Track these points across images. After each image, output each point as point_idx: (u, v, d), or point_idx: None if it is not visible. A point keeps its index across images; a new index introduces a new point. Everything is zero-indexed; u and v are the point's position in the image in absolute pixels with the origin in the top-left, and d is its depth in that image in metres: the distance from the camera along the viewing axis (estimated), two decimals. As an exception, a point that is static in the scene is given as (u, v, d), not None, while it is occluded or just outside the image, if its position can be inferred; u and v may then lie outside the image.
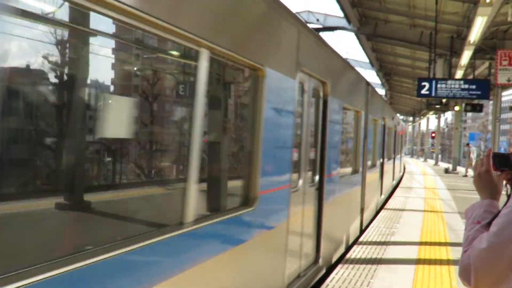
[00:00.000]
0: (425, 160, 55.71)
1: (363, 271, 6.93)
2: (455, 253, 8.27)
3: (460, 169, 31.10)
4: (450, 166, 33.49)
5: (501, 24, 18.42)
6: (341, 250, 8.38)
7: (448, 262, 7.70)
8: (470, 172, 28.36)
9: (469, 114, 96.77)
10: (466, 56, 18.44)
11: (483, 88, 18.04)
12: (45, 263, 2.12)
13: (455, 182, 23.99)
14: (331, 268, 7.27)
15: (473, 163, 30.02)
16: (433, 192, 18.80)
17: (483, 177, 1.92)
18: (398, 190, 19.06)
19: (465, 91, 17.98)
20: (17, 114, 2.42)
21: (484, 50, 20.49)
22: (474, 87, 18.09)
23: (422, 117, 60.79)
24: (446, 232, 10.26)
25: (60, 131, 2.66)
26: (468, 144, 32.44)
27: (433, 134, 54.46)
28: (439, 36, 20.10)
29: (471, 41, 15.86)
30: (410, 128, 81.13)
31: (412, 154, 79.29)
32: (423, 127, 76.70)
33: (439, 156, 49.34)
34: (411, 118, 71.73)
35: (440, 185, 22.36)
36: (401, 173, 24.19)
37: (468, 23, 17.21)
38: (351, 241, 9.24)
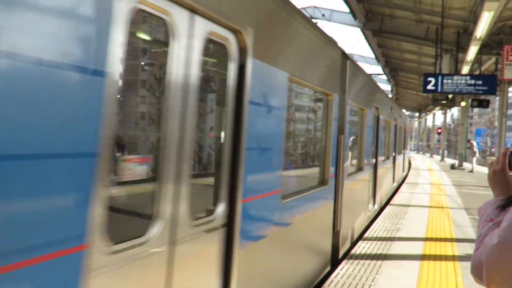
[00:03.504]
0: (431, 156, 55.73)
1: (368, 267, 6.92)
2: (461, 249, 8.25)
3: (466, 165, 31.03)
4: (456, 162, 33.43)
5: (508, 19, 18.34)
6: None
7: (453, 258, 7.68)
8: (476, 167, 28.33)
9: (476, 110, 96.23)
10: (472, 51, 18.36)
11: (489, 84, 17.98)
12: None
13: (461, 178, 23.90)
14: (336, 264, 7.28)
15: (477, 155, 30.20)
16: (439, 188, 18.74)
17: (498, 175, 1.91)
18: (403, 185, 19.02)
19: (471, 86, 17.92)
20: None
21: (490, 45, 20.41)
22: (480, 82, 18.03)
23: (428, 113, 60.57)
24: (452, 228, 10.24)
25: None
26: (469, 141, 32.58)
27: (439, 130, 54.34)
28: (445, 32, 20.03)
29: (478, 37, 15.79)
30: (416, 124, 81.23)
31: (418, 150, 79.94)
32: (429, 123, 76.60)
33: (445, 152, 49.27)
34: (417, 114, 71.62)
35: (446, 181, 22.29)
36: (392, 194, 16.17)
37: (474, 18, 17.12)
38: None
